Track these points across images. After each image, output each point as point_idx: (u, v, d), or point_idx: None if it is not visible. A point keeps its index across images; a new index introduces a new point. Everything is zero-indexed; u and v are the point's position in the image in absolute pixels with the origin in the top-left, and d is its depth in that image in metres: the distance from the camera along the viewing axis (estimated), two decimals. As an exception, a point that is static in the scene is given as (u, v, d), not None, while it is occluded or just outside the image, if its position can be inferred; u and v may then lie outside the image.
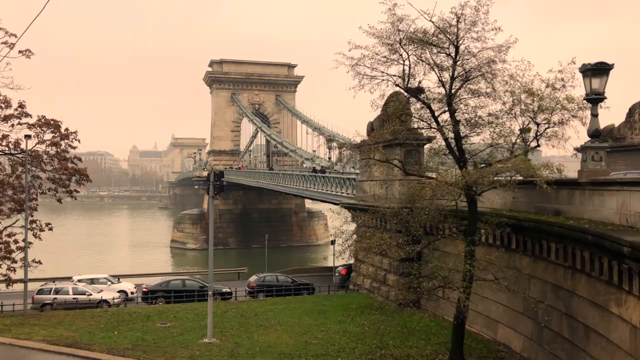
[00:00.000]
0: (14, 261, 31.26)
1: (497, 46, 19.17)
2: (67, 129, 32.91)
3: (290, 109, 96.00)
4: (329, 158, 61.34)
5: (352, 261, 36.08)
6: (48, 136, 32.52)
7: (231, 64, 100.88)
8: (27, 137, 31.11)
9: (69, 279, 39.32)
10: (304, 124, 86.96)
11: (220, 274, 50.51)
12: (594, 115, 16.86)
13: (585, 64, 16.73)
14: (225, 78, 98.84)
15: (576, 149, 20.17)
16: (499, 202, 22.48)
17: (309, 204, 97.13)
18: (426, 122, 21.27)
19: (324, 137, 67.58)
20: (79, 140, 33.31)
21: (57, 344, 22.19)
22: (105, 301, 33.58)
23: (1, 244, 31.21)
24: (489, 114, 19.74)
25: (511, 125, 19.85)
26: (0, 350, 21.66)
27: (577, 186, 17.28)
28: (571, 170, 24.26)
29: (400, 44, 19.81)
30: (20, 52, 30.29)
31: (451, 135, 20.23)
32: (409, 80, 20.35)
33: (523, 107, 18.87)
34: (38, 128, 32.11)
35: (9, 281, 32.04)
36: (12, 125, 31.87)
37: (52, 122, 32.38)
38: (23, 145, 31.66)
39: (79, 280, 37.72)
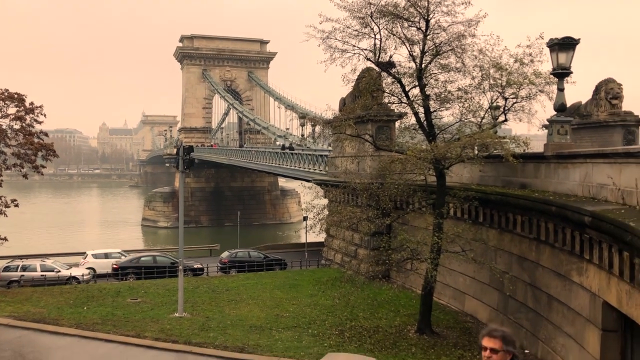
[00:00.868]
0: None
1: (467, 20, 19.30)
2: (32, 103, 32.03)
3: (263, 85, 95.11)
4: (302, 135, 61.20)
5: (322, 236, 36.34)
6: (12, 110, 31.62)
7: (202, 40, 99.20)
8: (-10, 111, 30.24)
9: (41, 256, 38.82)
10: (277, 101, 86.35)
11: (192, 251, 50.50)
12: (560, 89, 17.16)
13: (552, 39, 16.96)
14: (196, 54, 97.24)
15: (544, 126, 20.56)
16: (467, 176, 22.84)
17: (282, 182, 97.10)
18: (397, 97, 21.42)
19: (297, 114, 67.31)
20: (44, 115, 32.45)
21: (24, 319, 21.88)
22: (75, 278, 33.23)
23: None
24: (459, 89, 19.97)
25: (480, 100, 20.14)
26: (-34, 327, 21.32)
27: (543, 160, 17.63)
28: (538, 148, 24.70)
29: (371, 17, 19.77)
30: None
31: (421, 110, 20.45)
32: (380, 54, 20.38)
33: (492, 81, 19.09)
34: (1, 102, 31.20)
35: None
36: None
37: (15, 95, 31.46)
38: (-15, 120, 30.78)
39: (93, 255, 38.42)
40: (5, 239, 31.12)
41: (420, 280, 21.12)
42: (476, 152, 19.99)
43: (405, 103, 20.82)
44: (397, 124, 29.88)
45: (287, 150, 52.57)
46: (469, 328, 20.71)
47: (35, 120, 32.29)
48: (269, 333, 20.17)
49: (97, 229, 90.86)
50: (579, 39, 16.85)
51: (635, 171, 12.41)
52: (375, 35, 20.15)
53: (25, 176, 33.91)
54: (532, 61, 18.50)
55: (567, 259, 15.42)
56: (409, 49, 20.04)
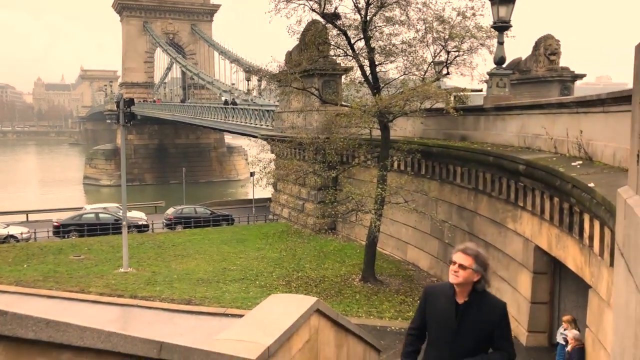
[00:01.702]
0: None
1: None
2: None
3: (207, 39, 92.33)
4: (248, 90, 60.26)
5: (270, 191, 36.41)
6: None
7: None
8: None
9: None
10: (222, 55, 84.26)
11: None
12: (500, 43, 17.56)
13: (493, -8, 17.24)
14: (135, 5, 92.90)
15: (485, 81, 21.06)
16: (411, 130, 23.27)
17: (229, 139, 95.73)
18: (343, 49, 21.40)
19: (242, 69, 66.06)
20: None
21: (-41, 278, 21.21)
22: (13, 236, 32.19)
23: None
24: (403, 42, 20.11)
25: (424, 54, 20.39)
26: None
27: (482, 112, 18.17)
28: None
29: (315, -34, 19.46)
30: None
31: (366, 63, 20.52)
32: (325, 5, 20.19)
33: (435, 35, 19.34)
34: None
35: None
36: None
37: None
38: None
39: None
40: None
41: (365, 231, 21.66)
42: (419, 105, 20.35)
43: (350, 56, 20.84)
44: (343, 78, 29.91)
45: (231, 106, 51.73)
46: (411, 276, 21.52)
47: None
48: (216, 286, 20.34)
49: (37, 188, 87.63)
50: (519, -7, 17.20)
51: (567, 121, 12.99)
52: (320, -16, 19.90)
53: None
54: (474, 14, 18.82)
55: (503, 207, 16.14)
56: (354, 0, 19.93)
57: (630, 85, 3.95)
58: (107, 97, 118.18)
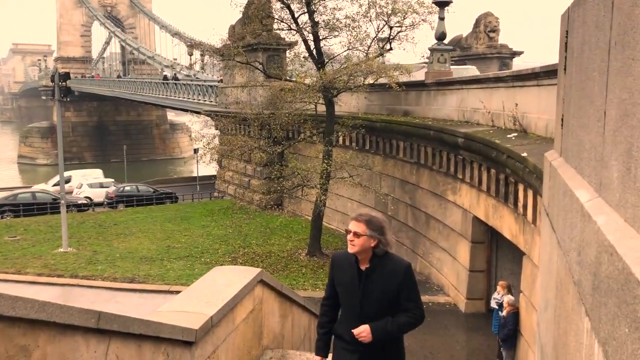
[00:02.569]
0: None
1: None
2: None
3: (147, 12, 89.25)
4: (190, 65, 58.88)
5: (215, 168, 35.99)
6: None
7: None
8: None
9: None
10: (163, 29, 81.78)
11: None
12: (441, 18, 17.86)
13: (434, -32, 17.45)
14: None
15: (427, 57, 21.39)
16: (355, 105, 23.41)
17: (171, 115, 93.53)
18: (286, 23, 21.19)
19: (185, 44, 64.40)
20: None
21: None
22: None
23: None
24: (347, 17, 20.10)
25: (367, 29, 20.47)
26: None
27: (424, 87, 18.49)
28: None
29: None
30: None
31: (310, 37, 20.43)
32: (268, -23, 19.88)
33: (378, 10, 19.42)
34: None
35: None
36: None
37: None
38: None
39: (89, 185, 39.15)
40: None
41: (311, 206, 21.80)
42: (363, 80, 20.48)
43: (294, 30, 20.69)
44: (287, 52, 29.68)
45: (172, 81, 50.44)
46: (356, 249, 21.85)
47: None
48: (160, 263, 20.07)
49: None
50: (459, -31, 17.48)
51: (503, 95, 13.42)
52: (263, -44, 19.57)
53: None
54: (416, -10, 18.96)
55: (443, 180, 16.61)
56: (298, -28, 19.73)
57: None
58: (41, 72, 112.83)
